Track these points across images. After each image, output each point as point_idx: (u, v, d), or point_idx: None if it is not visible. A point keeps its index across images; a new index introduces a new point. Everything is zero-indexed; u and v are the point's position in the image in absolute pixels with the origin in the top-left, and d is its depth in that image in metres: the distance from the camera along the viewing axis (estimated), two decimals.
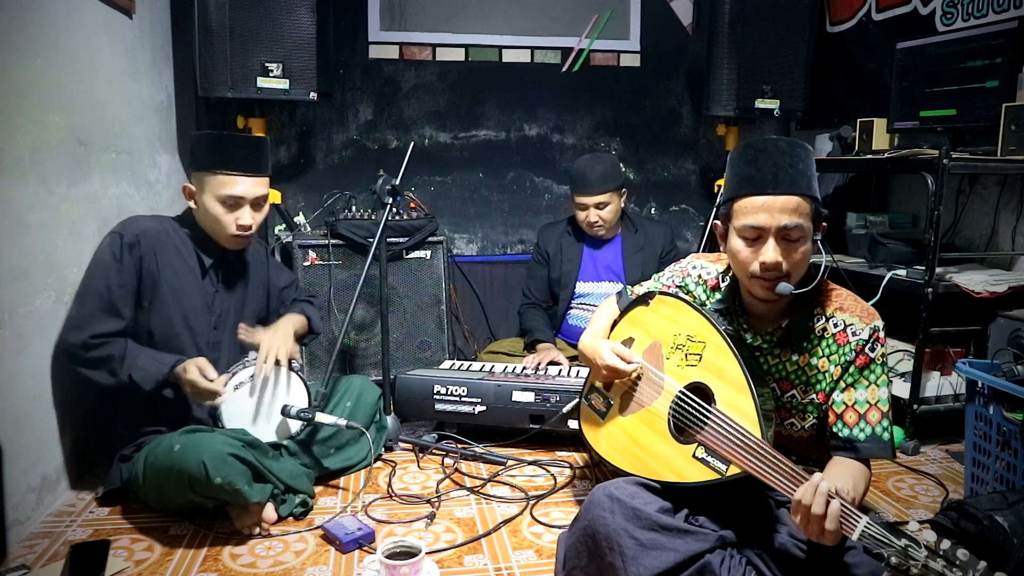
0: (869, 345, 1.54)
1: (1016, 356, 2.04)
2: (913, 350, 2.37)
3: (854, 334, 1.55)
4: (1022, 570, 1.43)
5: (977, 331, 2.46)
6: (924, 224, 2.35)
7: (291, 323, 2.15)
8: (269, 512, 1.85)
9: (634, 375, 1.73)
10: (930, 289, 2.26)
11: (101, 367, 1.89)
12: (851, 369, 1.55)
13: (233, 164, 1.96)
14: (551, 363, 2.66)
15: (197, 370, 1.88)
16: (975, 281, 2.27)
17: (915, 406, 2.36)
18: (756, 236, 1.50)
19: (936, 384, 2.41)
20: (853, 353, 1.55)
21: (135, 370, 1.87)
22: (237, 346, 2.11)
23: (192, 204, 2.03)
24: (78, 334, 1.87)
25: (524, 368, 2.62)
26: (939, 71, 2.49)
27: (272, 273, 2.29)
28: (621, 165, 2.87)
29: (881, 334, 1.56)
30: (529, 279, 3.04)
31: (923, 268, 2.28)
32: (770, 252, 1.48)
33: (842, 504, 1.27)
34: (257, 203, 2.01)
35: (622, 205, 2.87)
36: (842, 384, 1.56)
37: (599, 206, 2.79)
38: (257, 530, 1.83)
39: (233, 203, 1.97)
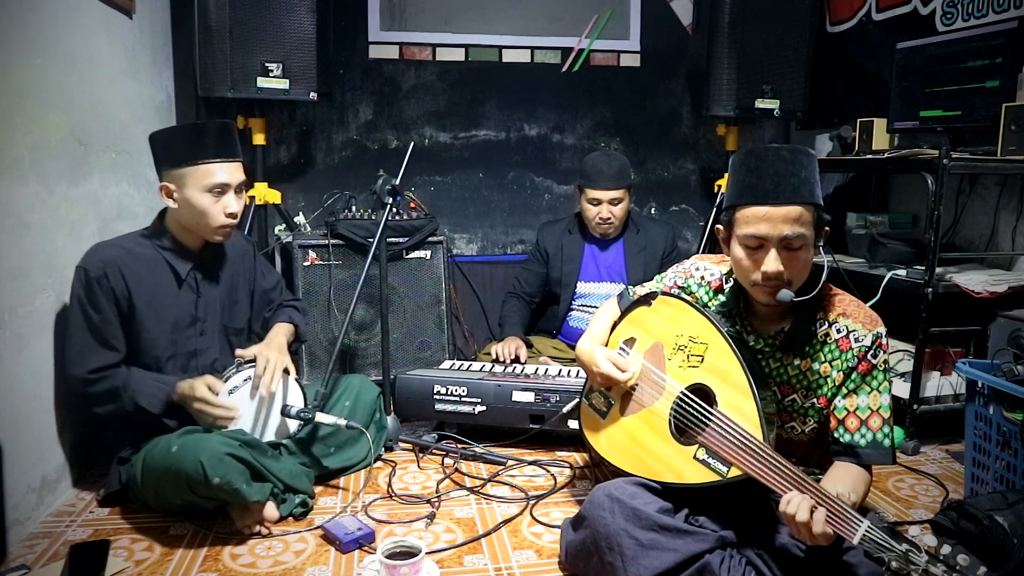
0: (871, 352, 1.55)
1: (1016, 356, 2.04)
2: (913, 350, 2.37)
3: (856, 340, 1.55)
4: (1022, 570, 1.43)
5: (977, 331, 2.46)
6: (924, 224, 2.35)
7: (283, 334, 2.14)
8: (271, 511, 1.84)
9: (629, 383, 1.74)
10: (930, 289, 2.25)
11: (107, 402, 1.88)
12: (853, 375, 1.55)
13: (212, 151, 1.92)
14: (516, 359, 2.71)
15: (207, 388, 1.89)
16: (975, 281, 2.27)
17: (915, 406, 2.36)
18: (758, 245, 1.50)
19: (936, 384, 2.41)
20: (855, 359, 1.55)
21: (140, 396, 1.87)
22: (228, 346, 2.11)
23: (171, 203, 1.95)
24: (77, 369, 1.88)
25: (496, 357, 2.70)
26: (939, 71, 2.49)
27: (259, 273, 2.25)
28: (630, 164, 2.87)
29: (883, 340, 1.56)
30: (522, 271, 3.04)
31: (923, 268, 2.28)
32: (772, 262, 1.48)
33: (843, 508, 1.28)
34: (240, 188, 1.99)
35: (630, 205, 2.87)
36: (844, 390, 1.56)
37: (613, 202, 2.77)
38: (258, 529, 1.82)
39: (220, 191, 1.94)
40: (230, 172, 1.95)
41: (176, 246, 2.01)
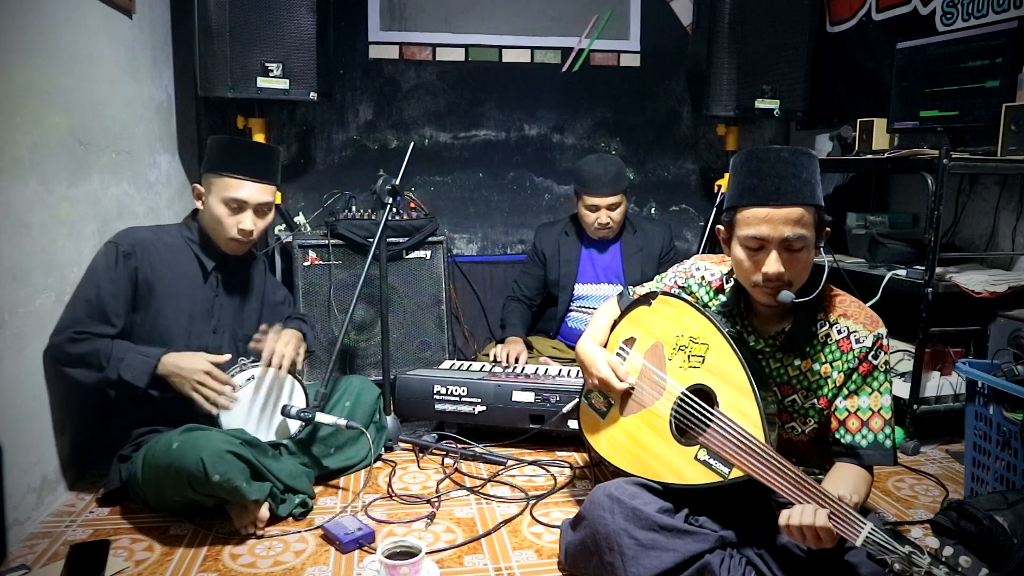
0: (872, 352, 1.55)
1: (1016, 356, 2.04)
2: (913, 350, 2.37)
3: (857, 341, 1.55)
4: (1022, 570, 1.43)
5: (977, 331, 2.46)
6: (924, 224, 2.35)
7: (292, 333, 2.17)
8: (263, 511, 1.84)
9: (624, 390, 1.74)
10: (930, 289, 2.25)
11: (83, 364, 1.88)
12: (854, 376, 1.55)
13: (240, 168, 1.98)
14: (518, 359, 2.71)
15: (209, 363, 1.89)
16: (975, 281, 2.27)
17: (915, 406, 2.36)
18: (759, 246, 1.50)
19: (936, 384, 2.41)
20: (856, 360, 1.55)
21: (123, 368, 1.87)
22: (235, 350, 2.11)
23: (199, 205, 2.05)
24: (63, 331, 1.89)
25: (494, 359, 2.71)
26: (939, 71, 2.49)
27: (268, 288, 2.30)
28: (626, 166, 2.87)
29: (884, 341, 1.56)
30: (521, 274, 3.05)
31: (923, 268, 2.28)
32: (772, 263, 1.49)
33: (846, 510, 1.28)
34: (261, 209, 2.03)
35: (628, 207, 2.87)
36: (845, 391, 1.56)
37: (611, 207, 2.77)
38: (252, 529, 1.82)
39: (236, 207, 1.99)
40: (252, 192, 2.00)
41: (205, 242, 2.06)
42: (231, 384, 1.93)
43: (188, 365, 1.89)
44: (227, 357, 1.97)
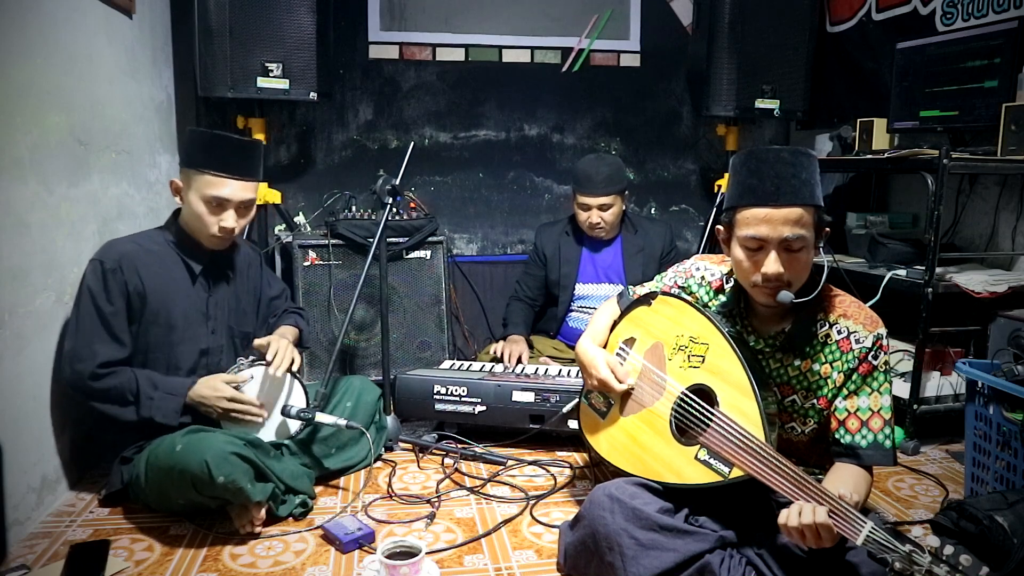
0: (872, 353, 1.55)
1: (1016, 356, 2.04)
2: (913, 350, 2.37)
3: (857, 342, 1.55)
4: (1022, 570, 1.43)
5: (977, 331, 2.46)
6: (924, 224, 2.35)
7: (290, 332, 2.20)
8: (260, 511, 1.84)
9: (623, 391, 1.74)
10: (930, 289, 2.26)
11: (111, 400, 1.88)
12: (854, 376, 1.55)
13: (222, 165, 1.93)
14: (520, 359, 2.72)
15: (229, 387, 1.91)
16: (975, 281, 2.27)
17: (915, 406, 2.36)
18: (758, 247, 1.50)
19: (936, 384, 2.41)
20: (856, 360, 1.55)
21: (155, 411, 1.87)
22: (233, 348, 2.12)
23: (178, 200, 2.01)
24: (84, 365, 1.85)
25: (496, 354, 2.72)
26: (939, 71, 2.49)
27: (264, 281, 2.29)
28: (625, 167, 2.86)
29: (884, 342, 1.56)
30: (523, 275, 3.05)
31: (923, 268, 2.28)
32: (772, 264, 1.49)
33: (846, 509, 1.28)
34: (243, 207, 1.99)
35: (624, 207, 2.86)
36: (845, 391, 1.56)
37: (602, 207, 2.77)
38: (250, 528, 1.82)
39: (218, 204, 1.95)
40: (234, 190, 1.95)
41: (189, 244, 2.03)
42: (254, 403, 1.95)
43: (211, 395, 1.90)
44: (246, 376, 1.98)
